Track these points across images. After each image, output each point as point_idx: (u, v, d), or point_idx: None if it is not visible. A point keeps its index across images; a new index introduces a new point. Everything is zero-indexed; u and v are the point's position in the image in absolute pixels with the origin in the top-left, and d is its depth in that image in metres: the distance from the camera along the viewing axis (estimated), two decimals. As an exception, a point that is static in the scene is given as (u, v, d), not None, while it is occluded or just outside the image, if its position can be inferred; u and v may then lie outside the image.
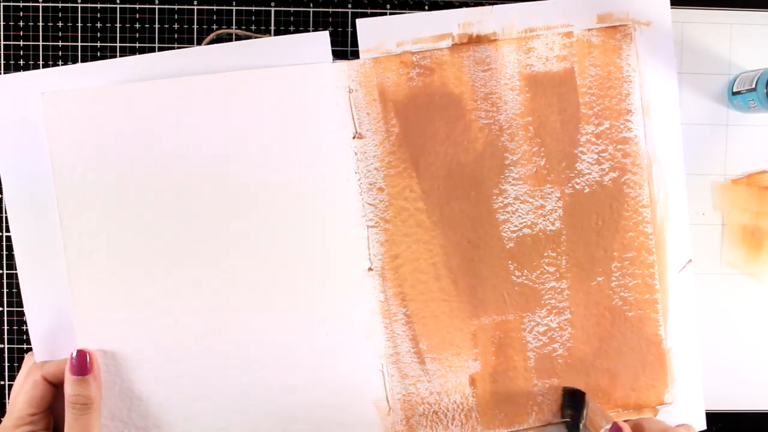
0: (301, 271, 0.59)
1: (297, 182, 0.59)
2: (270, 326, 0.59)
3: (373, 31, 0.60)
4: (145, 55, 0.58)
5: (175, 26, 0.62)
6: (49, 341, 0.59)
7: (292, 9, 0.62)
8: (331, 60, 0.59)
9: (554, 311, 0.61)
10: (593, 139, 0.61)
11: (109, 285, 0.58)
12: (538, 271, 0.61)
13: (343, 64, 0.59)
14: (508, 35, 0.61)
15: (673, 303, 0.62)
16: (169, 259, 0.58)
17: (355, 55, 0.60)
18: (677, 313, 0.62)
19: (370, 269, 0.60)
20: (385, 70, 0.60)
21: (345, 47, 0.63)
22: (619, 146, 0.61)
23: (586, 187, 0.61)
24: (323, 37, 0.59)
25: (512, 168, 0.60)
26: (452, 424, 0.61)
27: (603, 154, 0.61)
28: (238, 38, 0.59)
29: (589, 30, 0.61)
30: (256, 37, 0.60)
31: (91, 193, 0.58)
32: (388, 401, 0.60)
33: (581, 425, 0.58)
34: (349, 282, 0.59)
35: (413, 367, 0.60)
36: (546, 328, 0.61)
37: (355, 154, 0.59)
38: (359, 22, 0.59)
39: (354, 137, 0.59)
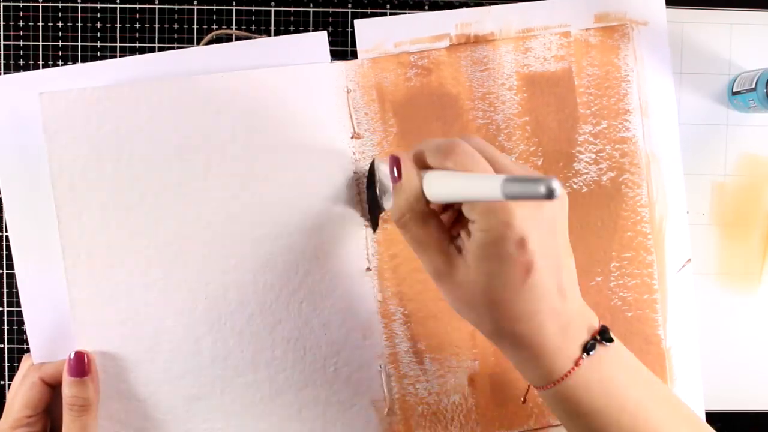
0: (299, 270, 0.59)
1: (295, 182, 0.59)
2: (269, 327, 0.59)
3: (372, 32, 0.60)
4: (145, 55, 0.58)
5: (175, 26, 0.62)
6: (47, 342, 0.58)
7: (292, 9, 0.62)
8: (330, 60, 0.60)
9: (553, 311, 0.61)
10: (591, 139, 0.61)
11: (107, 286, 0.58)
12: None
13: (341, 65, 0.59)
14: (505, 35, 0.61)
15: (672, 303, 0.62)
16: (167, 260, 0.58)
17: (354, 55, 0.60)
18: (676, 313, 0.62)
19: (368, 269, 0.60)
20: (383, 71, 0.60)
21: (345, 47, 0.63)
22: (617, 146, 0.61)
23: (584, 186, 0.61)
24: (321, 38, 0.59)
25: (510, 168, 0.61)
26: (451, 424, 0.60)
27: (601, 154, 0.61)
28: (238, 38, 0.60)
29: (586, 30, 0.61)
30: (255, 37, 0.60)
31: (89, 194, 0.58)
32: (386, 401, 0.60)
33: (377, 189, 0.56)
34: (347, 282, 0.59)
35: (412, 367, 0.60)
36: (545, 327, 0.61)
37: (354, 154, 0.60)
38: (357, 22, 0.60)
39: (352, 137, 0.60)
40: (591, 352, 0.45)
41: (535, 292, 0.43)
